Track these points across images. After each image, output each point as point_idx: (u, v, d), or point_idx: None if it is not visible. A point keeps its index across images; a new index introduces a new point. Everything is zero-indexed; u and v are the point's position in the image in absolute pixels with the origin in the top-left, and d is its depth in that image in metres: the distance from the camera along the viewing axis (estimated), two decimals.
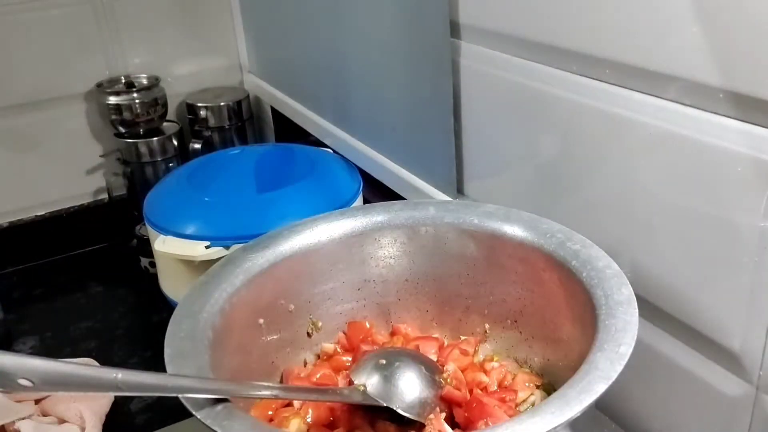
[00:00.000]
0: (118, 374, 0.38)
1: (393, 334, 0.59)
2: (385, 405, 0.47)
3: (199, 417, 0.39)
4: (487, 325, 0.58)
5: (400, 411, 0.47)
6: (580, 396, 0.38)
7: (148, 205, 0.83)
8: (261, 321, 0.54)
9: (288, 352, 0.57)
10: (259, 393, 0.46)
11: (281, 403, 0.51)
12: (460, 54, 0.65)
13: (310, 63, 0.99)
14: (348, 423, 0.50)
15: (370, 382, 0.48)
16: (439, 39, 0.66)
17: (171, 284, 0.81)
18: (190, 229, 0.76)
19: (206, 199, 0.81)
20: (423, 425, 0.48)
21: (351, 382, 0.49)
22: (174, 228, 0.77)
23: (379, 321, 0.60)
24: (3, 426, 0.65)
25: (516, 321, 0.56)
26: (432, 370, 0.51)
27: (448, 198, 0.71)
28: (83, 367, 0.38)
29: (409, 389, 0.48)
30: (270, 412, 0.50)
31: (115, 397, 0.72)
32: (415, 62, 0.72)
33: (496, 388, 0.53)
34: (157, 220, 0.79)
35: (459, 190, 0.71)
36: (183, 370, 0.43)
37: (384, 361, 0.50)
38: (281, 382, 0.56)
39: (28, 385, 0.36)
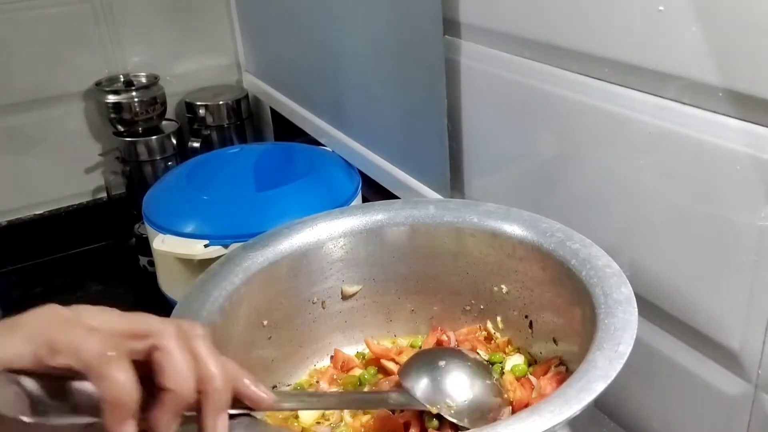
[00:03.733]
0: None
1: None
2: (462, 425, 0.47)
3: None
4: (488, 324, 0.58)
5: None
6: (579, 395, 0.38)
7: (147, 204, 0.83)
8: (260, 319, 0.54)
9: (288, 351, 0.57)
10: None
11: None
12: (460, 53, 0.65)
13: (305, 63, 0.98)
14: None
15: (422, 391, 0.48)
16: (432, 38, 0.66)
17: (170, 283, 0.81)
18: (189, 228, 0.76)
19: (205, 197, 0.81)
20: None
21: (399, 384, 0.49)
22: (173, 227, 0.77)
23: (379, 320, 0.60)
24: None
25: (516, 320, 0.56)
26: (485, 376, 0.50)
27: (442, 198, 0.71)
28: None
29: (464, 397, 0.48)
30: None
31: None
32: (407, 62, 0.72)
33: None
34: (156, 218, 0.79)
35: (459, 189, 0.71)
36: None
37: (438, 367, 0.50)
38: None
39: None
